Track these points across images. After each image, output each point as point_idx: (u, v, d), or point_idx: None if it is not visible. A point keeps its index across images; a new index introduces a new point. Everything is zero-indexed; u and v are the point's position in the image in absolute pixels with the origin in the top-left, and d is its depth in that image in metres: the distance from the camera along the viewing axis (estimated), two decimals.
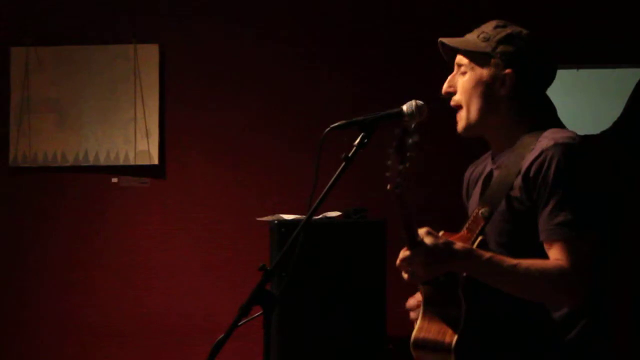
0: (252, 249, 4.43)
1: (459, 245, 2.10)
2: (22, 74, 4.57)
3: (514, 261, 2.09)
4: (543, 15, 4.39)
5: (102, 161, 4.55)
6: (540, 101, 2.30)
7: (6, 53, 4.58)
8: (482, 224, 2.20)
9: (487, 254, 2.10)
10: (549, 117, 2.29)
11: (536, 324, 2.17)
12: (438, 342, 2.14)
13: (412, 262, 2.08)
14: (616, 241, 2.28)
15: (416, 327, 2.21)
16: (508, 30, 2.27)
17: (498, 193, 2.21)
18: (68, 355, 4.52)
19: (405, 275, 2.13)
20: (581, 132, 2.26)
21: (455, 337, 2.10)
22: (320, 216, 3.78)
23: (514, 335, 2.17)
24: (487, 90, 2.26)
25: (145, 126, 4.55)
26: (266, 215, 3.90)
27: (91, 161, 4.56)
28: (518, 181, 2.17)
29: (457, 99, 2.30)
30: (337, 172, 2.16)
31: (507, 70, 2.24)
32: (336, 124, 2.22)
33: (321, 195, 2.15)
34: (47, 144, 4.56)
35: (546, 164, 2.13)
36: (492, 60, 2.25)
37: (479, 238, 2.18)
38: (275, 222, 3.72)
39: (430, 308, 2.21)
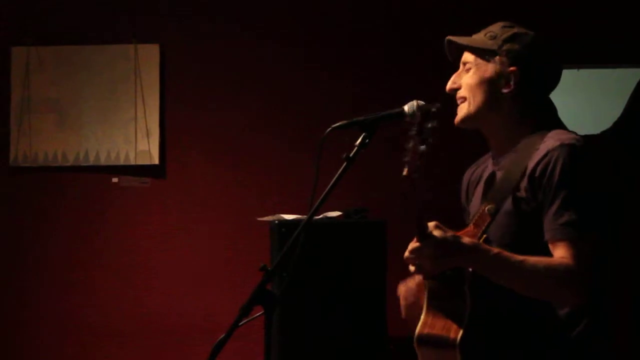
0: (252, 249, 4.43)
1: (467, 240, 2.11)
2: (23, 74, 4.57)
3: (520, 258, 2.10)
4: (543, 15, 4.39)
5: (103, 161, 4.55)
6: (543, 102, 2.31)
7: (7, 53, 4.58)
8: (488, 220, 2.21)
9: (495, 250, 2.11)
10: (550, 118, 2.30)
11: (539, 322, 2.18)
12: (443, 337, 2.14)
13: (420, 254, 2.09)
14: (616, 241, 2.28)
15: (420, 322, 2.21)
16: (515, 30, 2.30)
17: (503, 191, 2.22)
18: (68, 355, 4.52)
19: (412, 268, 2.14)
20: (581, 132, 2.27)
21: (461, 333, 2.11)
22: (320, 216, 3.78)
23: (518, 332, 2.18)
24: (491, 87, 2.28)
25: (146, 126, 4.55)
26: (266, 215, 3.90)
27: (91, 161, 4.56)
28: (524, 181, 2.19)
29: (461, 93, 2.32)
30: (338, 172, 2.16)
31: (512, 68, 2.26)
32: (337, 124, 2.22)
33: (322, 196, 2.16)
34: (47, 143, 4.56)
35: (552, 165, 2.14)
36: (498, 58, 2.27)
37: (484, 236, 2.19)
38: (276, 222, 3.72)
39: (435, 303, 2.21)
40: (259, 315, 2.13)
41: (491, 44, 2.28)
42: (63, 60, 4.58)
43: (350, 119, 2.23)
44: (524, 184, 2.18)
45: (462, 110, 2.31)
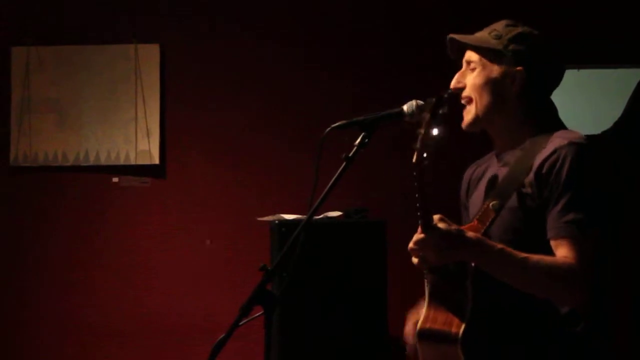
0: (252, 249, 4.43)
1: (471, 234, 2.12)
2: (23, 74, 4.57)
3: (523, 255, 2.11)
4: (543, 15, 4.39)
5: (103, 161, 4.55)
6: (546, 102, 2.32)
7: (7, 53, 4.58)
8: (492, 216, 2.21)
9: (499, 246, 2.12)
10: (552, 119, 2.31)
11: (541, 317, 2.18)
12: (444, 332, 2.14)
13: (424, 246, 2.09)
14: (616, 241, 2.28)
15: (421, 317, 2.21)
16: (519, 29, 2.30)
17: (508, 187, 2.22)
18: (68, 355, 4.52)
19: (415, 260, 2.14)
20: (581, 132, 2.27)
21: (462, 328, 2.11)
22: (321, 216, 3.78)
23: (520, 327, 2.18)
24: (496, 87, 2.28)
25: (146, 126, 4.55)
26: (266, 215, 3.90)
27: (92, 161, 4.56)
28: (530, 178, 2.19)
29: (466, 93, 2.31)
30: (337, 172, 2.16)
31: (518, 68, 2.26)
32: (337, 124, 2.22)
33: (322, 195, 2.15)
34: (47, 143, 4.56)
35: (560, 162, 2.15)
36: (504, 58, 2.27)
37: (487, 232, 2.20)
38: (276, 222, 3.72)
39: (437, 297, 2.21)
40: (259, 315, 2.13)
41: (496, 44, 2.28)
42: (63, 60, 4.58)
43: (350, 119, 2.23)
44: (529, 180, 2.19)
45: (470, 113, 2.31)
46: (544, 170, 2.16)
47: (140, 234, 4.57)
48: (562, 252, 2.12)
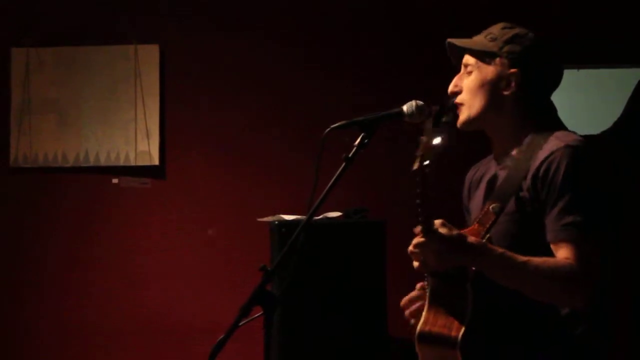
0: (252, 249, 4.42)
1: (472, 239, 2.12)
2: (23, 75, 4.57)
3: (524, 258, 2.11)
4: (543, 15, 4.39)
5: (103, 162, 4.55)
6: (544, 103, 2.31)
7: (7, 54, 4.58)
8: (492, 219, 2.21)
9: (500, 250, 2.12)
10: (551, 119, 2.31)
11: (541, 319, 2.18)
12: (444, 335, 2.15)
13: (425, 249, 2.09)
14: (616, 241, 2.28)
15: (421, 320, 2.21)
16: (515, 31, 2.30)
17: (507, 190, 2.23)
18: (68, 355, 4.52)
19: (415, 264, 2.14)
20: (581, 132, 2.27)
21: (462, 331, 2.11)
22: (320, 216, 3.78)
23: (519, 329, 2.19)
24: (492, 89, 2.28)
25: (146, 127, 4.55)
26: (266, 215, 3.90)
27: (91, 162, 4.56)
28: (527, 181, 2.19)
29: (461, 97, 2.31)
30: (337, 173, 2.16)
31: (513, 70, 2.26)
32: (337, 124, 2.22)
33: (322, 196, 2.16)
34: (47, 144, 4.56)
35: (555, 165, 2.15)
36: (498, 60, 2.28)
37: (488, 235, 2.20)
38: (276, 222, 3.72)
39: (437, 301, 2.21)
40: (258, 316, 2.13)
41: (491, 46, 2.28)
42: (63, 60, 4.58)
43: (350, 119, 2.23)
44: (527, 184, 2.19)
45: (463, 113, 2.32)
46: (540, 174, 2.17)
47: (140, 234, 4.57)
48: (562, 255, 2.12)
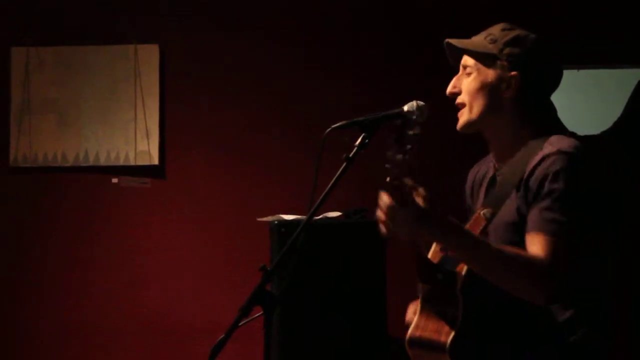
0: (252, 249, 4.42)
1: (452, 218, 2.08)
2: (23, 74, 4.57)
3: (499, 246, 2.10)
4: (543, 15, 4.39)
5: (103, 161, 4.55)
6: (544, 105, 2.30)
7: (7, 53, 4.58)
8: (482, 224, 2.21)
9: (475, 235, 2.10)
10: (551, 121, 2.29)
11: (530, 319, 2.16)
12: (433, 341, 2.15)
13: (395, 216, 2.04)
14: (616, 241, 2.28)
15: (412, 324, 2.22)
16: (515, 33, 2.28)
17: (500, 197, 2.22)
18: (68, 355, 4.52)
19: (383, 230, 2.10)
20: (581, 133, 2.27)
21: (451, 336, 2.11)
22: (320, 216, 3.78)
23: (507, 328, 2.17)
24: (491, 92, 2.27)
25: (146, 126, 4.55)
26: (266, 215, 3.90)
27: (91, 161, 4.56)
28: (520, 188, 2.18)
29: (461, 99, 2.31)
30: (337, 173, 2.16)
31: (513, 73, 2.25)
32: (337, 124, 2.21)
33: (322, 196, 2.15)
34: (47, 144, 4.56)
35: (545, 170, 2.13)
36: (498, 62, 2.26)
37: None
38: (276, 222, 3.72)
39: (428, 305, 2.21)
40: (258, 316, 2.13)
41: (491, 48, 2.27)
42: (63, 60, 4.58)
43: (350, 119, 2.22)
44: (520, 190, 2.18)
45: (463, 116, 2.31)
46: (531, 179, 2.15)
47: (140, 234, 4.57)
48: (534, 247, 2.10)
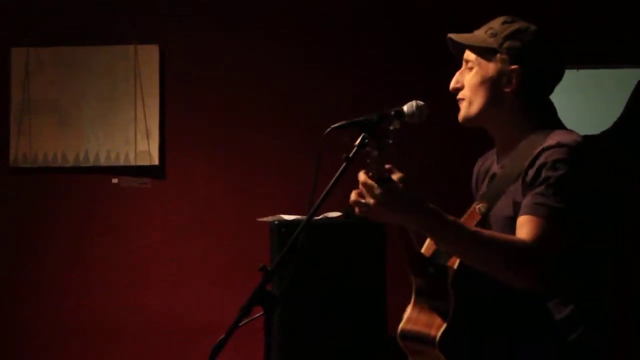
0: (252, 249, 4.42)
1: (429, 204, 2.06)
2: (23, 75, 4.57)
3: (476, 229, 2.09)
4: (543, 15, 4.38)
5: (103, 162, 4.55)
6: (544, 101, 2.30)
7: (6, 53, 4.58)
8: (477, 219, 2.20)
9: (451, 218, 2.07)
10: (551, 118, 2.28)
11: (528, 309, 2.15)
12: (424, 334, 2.15)
13: (372, 194, 2.03)
14: (616, 241, 2.27)
15: (405, 317, 2.22)
16: (516, 26, 2.27)
17: (497, 191, 2.22)
18: (68, 355, 4.52)
19: (357, 209, 2.09)
20: (581, 133, 2.26)
21: (442, 330, 2.11)
22: (320, 217, 3.78)
23: (503, 319, 2.15)
24: (492, 86, 2.26)
25: (146, 127, 4.55)
26: (266, 215, 3.90)
27: (91, 162, 4.56)
28: (518, 182, 2.17)
29: (463, 93, 2.31)
30: (337, 173, 2.16)
31: (513, 66, 2.24)
32: (337, 124, 2.21)
33: (322, 196, 2.15)
34: (47, 144, 4.56)
35: (543, 161, 2.12)
36: (499, 56, 2.25)
37: None
38: (276, 222, 3.72)
39: (420, 299, 2.22)
40: (259, 316, 2.13)
41: (492, 42, 2.26)
42: (63, 61, 4.58)
43: (350, 119, 2.22)
44: (518, 184, 2.17)
45: (463, 110, 2.31)
46: (530, 171, 2.14)
47: (140, 234, 4.57)
48: (522, 230, 2.08)
